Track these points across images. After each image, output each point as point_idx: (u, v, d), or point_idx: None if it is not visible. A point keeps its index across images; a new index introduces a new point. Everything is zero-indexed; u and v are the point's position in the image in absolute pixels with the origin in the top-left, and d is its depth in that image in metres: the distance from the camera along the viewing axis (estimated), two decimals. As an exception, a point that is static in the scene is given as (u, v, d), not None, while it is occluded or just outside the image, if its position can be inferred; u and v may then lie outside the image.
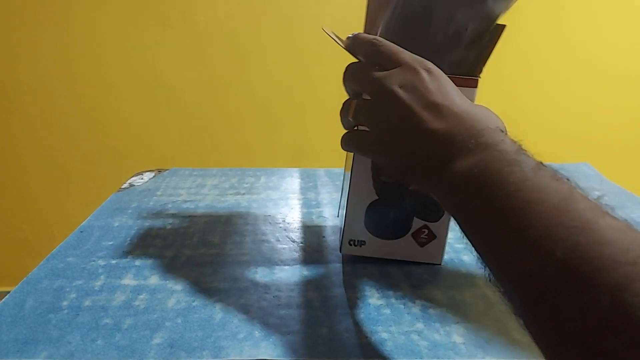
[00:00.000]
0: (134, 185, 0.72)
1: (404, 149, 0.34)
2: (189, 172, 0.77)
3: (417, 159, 0.33)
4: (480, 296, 0.44)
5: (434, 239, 0.48)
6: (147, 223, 0.58)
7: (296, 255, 0.51)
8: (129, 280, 0.46)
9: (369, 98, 0.36)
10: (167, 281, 0.46)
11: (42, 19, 1.31)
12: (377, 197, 0.46)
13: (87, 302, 0.42)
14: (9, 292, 0.44)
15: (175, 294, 0.44)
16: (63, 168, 1.44)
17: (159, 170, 0.78)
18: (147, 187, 0.71)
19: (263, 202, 0.65)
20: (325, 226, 0.58)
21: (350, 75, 0.39)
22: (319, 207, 0.63)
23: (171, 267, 0.48)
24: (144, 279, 0.46)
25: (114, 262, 0.49)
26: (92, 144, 1.42)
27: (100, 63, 1.36)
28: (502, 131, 0.32)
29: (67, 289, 0.44)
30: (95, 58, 1.35)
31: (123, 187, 0.71)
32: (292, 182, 0.73)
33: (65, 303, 0.42)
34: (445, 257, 0.50)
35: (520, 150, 0.29)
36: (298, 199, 0.67)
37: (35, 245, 1.51)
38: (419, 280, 0.46)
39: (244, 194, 0.68)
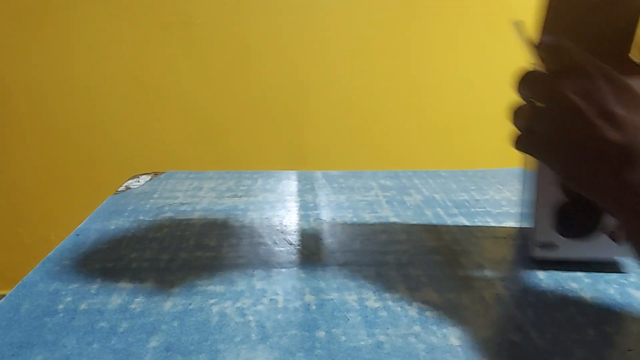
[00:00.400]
0: (131, 188, 0.71)
1: (577, 157, 0.34)
2: (185, 175, 0.77)
3: (589, 167, 0.33)
4: (478, 299, 0.44)
5: None
6: (144, 226, 0.58)
7: (293, 257, 0.51)
8: (125, 284, 0.46)
9: (542, 105, 0.36)
10: (164, 284, 0.46)
11: (39, 22, 1.31)
12: (566, 198, 0.46)
13: (82, 306, 0.42)
14: (4, 295, 0.44)
15: (172, 297, 0.43)
16: (60, 171, 1.44)
17: (156, 173, 0.78)
18: (143, 190, 0.70)
19: (260, 204, 0.65)
20: (322, 229, 0.58)
21: (526, 82, 0.39)
22: (316, 210, 0.63)
23: (167, 270, 0.48)
24: (140, 282, 0.46)
25: (110, 265, 0.49)
26: (89, 147, 1.42)
27: (97, 66, 1.35)
28: None
29: (63, 292, 0.44)
30: (91, 61, 1.35)
31: (119, 190, 0.71)
32: (290, 184, 0.73)
33: (60, 306, 0.42)
34: (441, 259, 0.50)
35: None
36: (295, 201, 0.67)
37: (32, 249, 1.50)
38: (416, 282, 0.46)
39: (241, 196, 0.68)
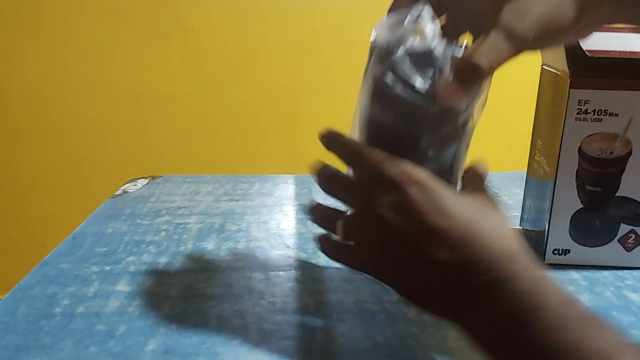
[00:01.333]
0: (128, 192, 0.71)
1: (403, 276, 0.31)
2: (182, 178, 0.77)
3: (420, 288, 0.30)
4: (475, 301, 0.44)
5: None
6: (141, 229, 0.58)
7: (291, 260, 0.51)
8: (122, 287, 0.45)
9: (354, 214, 0.33)
10: (162, 287, 0.45)
11: (36, 26, 1.31)
12: (581, 205, 0.47)
13: (80, 309, 0.42)
14: (1, 299, 0.44)
15: (170, 300, 0.43)
16: (56, 175, 1.43)
17: (153, 177, 0.77)
18: (140, 194, 0.70)
19: (257, 208, 0.65)
20: (320, 232, 0.58)
21: (327, 185, 0.34)
22: (313, 214, 0.63)
23: (165, 273, 0.48)
24: (138, 285, 0.46)
25: (107, 268, 0.49)
26: (86, 151, 1.42)
27: (94, 70, 1.35)
28: (515, 254, 0.28)
29: (60, 296, 0.44)
30: (89, 65, 1.35)
31: (116, 193, 0.71)
32: (287, 188, 0.73)
33: (58, 310, 0.42)
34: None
35: (531, 289, 0.27)
36: (292, 205, 0.67)
37: (27, 254, 1.49)
38: (414, 285, 0.46)
39: (238, 200, 0.68)
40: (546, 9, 0.28)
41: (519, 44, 0.28)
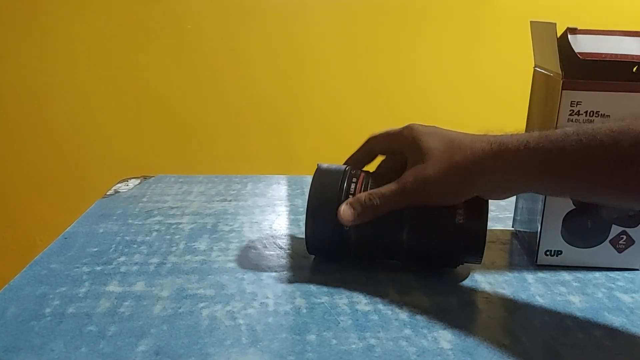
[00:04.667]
0: (119, 192, 0.71)
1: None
2: (175, 179, 0.77)
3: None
4: (468, 302, 0.44)
5: (632, 244, 0.48)
6: (133, 229, 0.58)
7: (283, 261, 0.51)
8: (114, 287, 0.45)
9: None
10: (153, 288, 0.45)
11: (26, 25, 1.30)
12: (573, 207, 0.47)
13: (70, 309, 0.42)
14: (-10, 299, 0.43)
15: (161, 300, 0.43)
16: (46, 174, 1.42)
17: (145, 177, 0.77)
18: (132, 194, 0.70)
19: (250, 209, 0.65)
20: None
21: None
22: (306, 214, 0.63)
23: (157, 273, 0.48)
24: (129, 285, 0.46)
25: (98, 268, 0.49)
26: (77, 150, 1.41)
27: (86, 69, 1.35)
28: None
29: (51, 296, 0.44)
30: (80, 64, 1.34)
31: (108, 193, 0.70)
32: (279, 189, 0.73)
33: (48, 310, 0.41)
34: (433, 263, 0.51)
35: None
36: (285, 205, 0.66)
37: (17, 254, 1.48)
38: (406, 286, 0.46)
39: (230, 200, 0.68)
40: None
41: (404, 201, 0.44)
